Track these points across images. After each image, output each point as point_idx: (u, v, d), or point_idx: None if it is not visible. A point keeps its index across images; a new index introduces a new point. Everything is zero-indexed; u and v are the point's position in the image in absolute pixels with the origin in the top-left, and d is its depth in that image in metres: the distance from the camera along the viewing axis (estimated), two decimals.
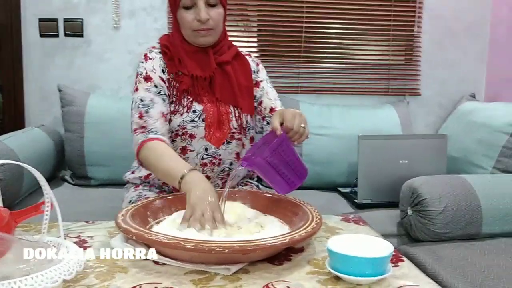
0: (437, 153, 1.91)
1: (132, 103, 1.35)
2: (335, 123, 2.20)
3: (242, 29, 2.43)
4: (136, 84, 1.36)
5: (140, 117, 1.30)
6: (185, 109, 1.34)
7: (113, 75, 2.35)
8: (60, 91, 2.14)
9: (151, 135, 1.27)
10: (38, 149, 1.94)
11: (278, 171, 1.10)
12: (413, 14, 2.49)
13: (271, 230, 1.04)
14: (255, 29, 2.46)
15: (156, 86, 1.33)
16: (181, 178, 1.12)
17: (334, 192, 2.12)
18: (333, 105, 2.32)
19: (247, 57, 1.47)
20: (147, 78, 1.34)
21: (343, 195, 2.05)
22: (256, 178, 1.60)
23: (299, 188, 2.11)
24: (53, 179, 2.13)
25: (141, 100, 1.32)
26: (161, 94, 1.33)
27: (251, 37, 2.45)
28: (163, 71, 1.36)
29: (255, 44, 2.46)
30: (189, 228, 1.00)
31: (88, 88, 2.30)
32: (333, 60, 2.49)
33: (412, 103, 2.52)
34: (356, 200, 1.89)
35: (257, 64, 1.49)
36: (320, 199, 1.94)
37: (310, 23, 2.42)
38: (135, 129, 1.30)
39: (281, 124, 1.14)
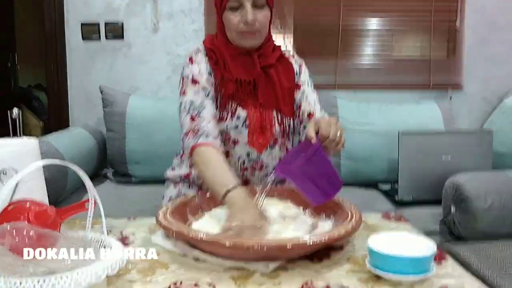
0: (482, 149, 1.85)
1: (180, 106, 1.33)
2: (374, 119, 2.17)
3: (279, 26, 2.43)
4: (183, 87, 1.34)
5: (192, 119, 1.28)
6: (230, 115, 1.33)
7: (152, 76, 2.40)
8: (101, 92, 2.20)
9: (201, 140, 1.25)
10: (82, 148, 2.01)
11: (312, 180, 1.07)
12: (455, 7, 2.41)
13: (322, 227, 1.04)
14: (292, 26, 2.45)
15: (204, 89, 1.32)
16: (225, 195, 1.10)
17: (373, 189, 2.08)
18: (371, 101, 2.29)
19: (290, 57, 1.45)
20: (195, 81, 1.32)
21: (383, 192, 2.02)
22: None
23: None
24: (96, 177, 2.20)
25: (191, 103, 1.30)
26: (209, 97, 1.32)
27: (287, 34, 2.45)
28: (210, 74, 1.34)
29: (291, 41, 2.45)
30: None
31: (129, 89, 2.36)
32: (372, 56, 2.45)
33: (455, 98, 2.45)
34: (396, 198, 1.85)
35: (300, 66, 1.46)
36: (359, 196, 1.91)
37: (348, 18, 2.40)
38: (186, 133, 1.28)
39: (317, 132, 1.10)
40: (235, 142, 1.35)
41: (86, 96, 2.41)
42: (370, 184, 2.12)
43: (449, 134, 1.96)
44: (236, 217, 1.01)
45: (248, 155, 1.36)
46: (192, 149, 1.25)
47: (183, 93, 1.33)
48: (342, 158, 2.12)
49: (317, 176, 1.06)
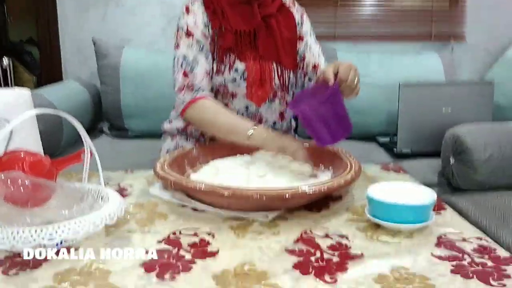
0: (483, 101, 1.83)
1: (174, 59, 1.30)
2: (374, 71, 2.13)
3: None
4: (177, 39, 1.30)
5: (185, 76, 1.26)
6: (227, 68, 1.30)
7: (146, 27, 2.34)
8: (94, 44, 2.14)
9: (199, 94, 1.25)
10: (76, 102, 1.98)
11: (323, 122, 1.06)
12: None
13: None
14: None
15: (198, 42, 1.28)
16: (250, 135, 1.11)
17: (372, 142, 2.08)
18: (372, 52, 2.24)
19: (291, 6, 1.41)
20: (189, 34, 1.28)
21: (382, 145, 2.02)
22: (293, 132, 1.57)
23: None
24: (92, 131, 2.18)
25: (184, 58, 1.27)
26: (204, 51, 1.28)
27: None
28: (205, 25, 1.30)
29: None
30: (227, 175, 1.00)
31: (122, 40, 2.30)
32: (372, 5, 2.39)
33: (457, 49, 2.41)
34: (395, 150, 1.85)
35: (302, 15, 1.42)
36: (358, 149, 1.86)
37: None
38: (180, 88, 1.26)
39: (335, 75, 1.09)
40: (233, 95, 1.33)
41: (79, 49, 2.36)
42: (368, 137, 2.11)
43: (449, 86, 1.93)
44: (276, 143, 1.08)
45: (246, 108, 1.34)
46: (189, 104, 1.24)
47: (176, 46, 1.30)
48: None
49: (329, 118, 1.06)
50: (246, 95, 1.33)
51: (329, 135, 1.08)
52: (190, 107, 1.25)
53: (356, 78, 1.10)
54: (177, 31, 1.32)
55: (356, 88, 1.12)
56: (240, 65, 1.30)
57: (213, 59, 1.30)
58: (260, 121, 1.37)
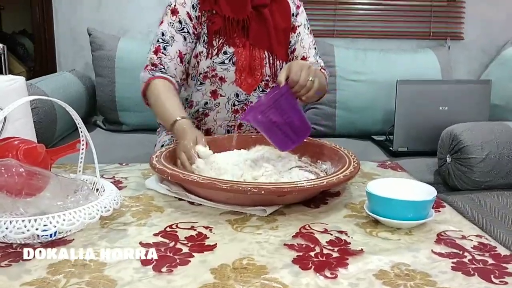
0: (480, 100, 1.83)
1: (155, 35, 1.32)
2: (371, 69, 2.13)
3: None
4: (162, 16, 1.32)
5: (156, 52, 1.28)
6: (216, 51, 1.30)
7: (142, 17, 2.31)
8: (90, 35, 2.12)
9: (158, 74, 1.26)
10: (70, 94, 1.95)
11: (276, 126, 1.03)
12: None
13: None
14: None
15: (180, 22, 1.29)
16: (173, 123, 1.13)
17: (368, 140, 2.08)
18: (369, 49, 2.24)
19: None
20: (174, 11, 1.30)
21: (378, 143, 2.02)
22: None
23: (332, 136, 2.08)
24: (86, 124, 2.13)
25: (162, 35, 1.29)
26: (184, 32, 1.29)
27: None
28: (193, 7, 1.30)
29: None
30: (226, 169, 0.99)
31: (118, 31, 2.27)
32: (371, 2, 2.38)
33: (454, 47, 2.41)
34: (391, 148, 1.85)
35: (298, 7, 1.41)
36: (353, 147, 1.83)
37: None
38: (146, 66, 1.29)
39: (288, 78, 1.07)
40: (222, 80, 1.33)
41: (74, 40, 2.32)
42: (364, 135, 2.11)
43: (447, 84, 1.93)
44: (181, 138, 1.07)
45: (237, 95, 1.35)
46: (148, 82, 1.26)
47: (160, 22, 1.32)
48: (337, 108, 2.10)
49: (279, 122, 1.03)
50: (235, 82, 1.33)
51: (286, 139, 1.06)
52: (149, 86, 1.26)
53: (311, 77, 1.07)
54: (166, 7, 1.33)
55: (312, 87, 1.09)
56: (229, 49, 1.31)
57: (203, 42, 1.30)
58: None
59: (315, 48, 1.42)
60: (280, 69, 1.35)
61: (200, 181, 0.87)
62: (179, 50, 1.29)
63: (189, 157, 1.01)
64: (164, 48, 1.28)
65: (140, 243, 0.75)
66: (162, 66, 1.27)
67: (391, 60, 2.17)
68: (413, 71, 2.11)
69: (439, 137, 1.62)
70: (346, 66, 2.11)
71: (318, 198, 0.97)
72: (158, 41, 1.29)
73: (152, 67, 1.28)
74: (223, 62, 1.31)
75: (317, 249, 0.74)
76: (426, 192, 0.87)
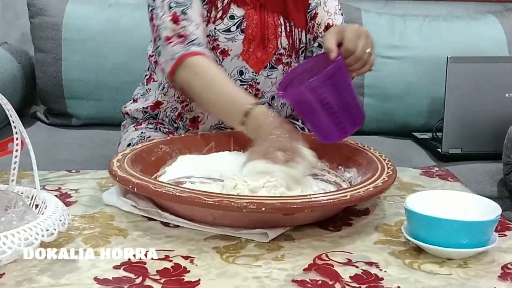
0: None
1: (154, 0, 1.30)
2: (411, 42, 2.15)
3: None
4: None
5: (175, 21, 1.25)
6: (220, 13, 1.32)
7: None
8: None
9: (194, 48, 1.23)
10: (0, 75, 1.95)
11: (326, 108, 1.06)
12: None
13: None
14: None
15: None
16: (245, 114, 1.11)
17: (408, 138, 2.11)
18: (410, 16, 2.26)
19: None
20: None
21: (421, 143, 2.04)
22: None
23: (357, 133, 2.09)
24: (22, 117, 2.15)
25: None
26: None
27: None
28: None
29: None
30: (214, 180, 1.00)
31: None
32: None
33: None
34: (439, 150, 1.87)
35: None
36: (389, 147, 1.91)
37: None
38: (169, 37, 1.25)
39: (339, 45, 1.09)
40: (224, 53, 1.34)
41: (4, 4, 2.34)
42: (403, 132, 2.14)
43: None
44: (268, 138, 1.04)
45: (241, 73, 1.36)
46: (181, 59, 1.23)
47: None
48: (365, 95, 2.12)
49: (333, 104, 1.05)
50: (242, 54, 1.34)
51: (335, 128, 1.08)
52: (182, 65, 1.23)
53: (369, 48, 1.11)
54: None
55: (369, 61, 1.13)
56: (237, 11, 1.33)
57: (202, 1, 1.31)
58: (256, 94, 1.38)
59: (342, 14, 1.44)
60: (299, 40, 1.38)
61: (177, 194, 0.87)
62: (202, 13, 1.29)
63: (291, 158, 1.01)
64: (183, 13, 1.26)
65: (95, 278, 0.75)
66: (193, 37, 1.24)
67: (439, 30, 2.19)
68: (469, 46, 2.13)
69: (505, 135, 1.64)
70: (377, 38, 2.07)
71: (339, 218, 0.98)
72: (171, 6, 1.26)
73: (180, 39, 1.25)
74: (228, 30, 1.32)
75: (338, 287, 0.74)
76: (487, 209, 0.87)
